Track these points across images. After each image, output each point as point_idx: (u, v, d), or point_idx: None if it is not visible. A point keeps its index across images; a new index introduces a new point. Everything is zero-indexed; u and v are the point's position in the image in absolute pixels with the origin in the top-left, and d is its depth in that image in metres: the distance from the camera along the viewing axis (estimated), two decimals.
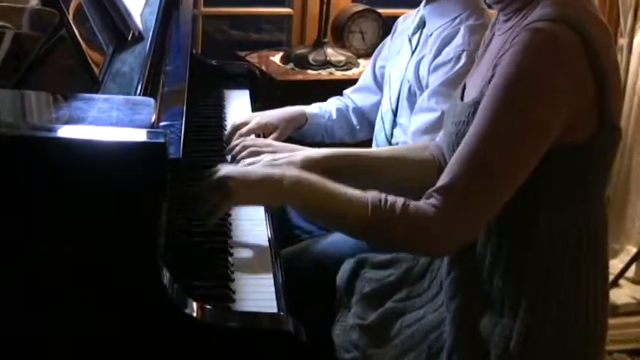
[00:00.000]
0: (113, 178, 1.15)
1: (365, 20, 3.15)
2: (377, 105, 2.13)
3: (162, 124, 1.36)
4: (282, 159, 1.65)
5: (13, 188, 1.14)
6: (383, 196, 1.37)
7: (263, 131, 2.01)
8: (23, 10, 1.45)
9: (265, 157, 1.66)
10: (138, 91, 1.42)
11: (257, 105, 2.25)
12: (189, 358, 1.22)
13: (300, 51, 3.05)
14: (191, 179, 1.68)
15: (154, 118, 1.28)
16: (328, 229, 1.82)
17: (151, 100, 1.34)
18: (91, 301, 1.19)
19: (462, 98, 1.48)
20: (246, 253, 1.49)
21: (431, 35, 1.93)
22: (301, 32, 3.26)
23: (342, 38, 3.14)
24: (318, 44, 3.05)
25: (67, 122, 1.21)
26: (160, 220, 1.21)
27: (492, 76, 1.32)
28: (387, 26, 3.04)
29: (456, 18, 1.89)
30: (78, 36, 1.41)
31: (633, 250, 2.85)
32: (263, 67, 2.98)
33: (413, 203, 1.36)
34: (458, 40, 1.86)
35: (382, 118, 2.05)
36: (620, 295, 2.77)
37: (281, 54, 3.11)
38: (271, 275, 1.42)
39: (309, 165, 1.63)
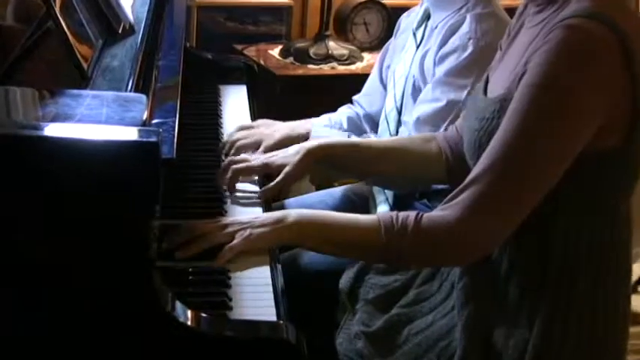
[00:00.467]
0: (102, 179, 1.15)
1: (369, 12, 3.15)
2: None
3: (154, 121, 1.36)
4: (275, 156, 1.67)
5: None
6: (394, 214, 1.38)
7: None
8: (7, 1, 1.45)
9: (255, 161, 1.68)
10: (129, 87, 1.42)
11: (255, 101, 2.25)
12: None
13: (301, 44, 3.06)
14: (185, 180, 1.68)
15: (145, 115, 1.28)
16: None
17: (143, 97, 1.34)
18: (79, 308, 1.19)
19: (485, 92, 1.47)
20: (243, 258, 1.48)
21: (436, 27, 1.93)
22: (302, 24, 3.26)
23: (345, 31, 3.14)
24: (320, 37, 3.05)
25: (53, 120, 1.21)
26: (151, 223, 1.21)
27: (524, 73, 1.32)
28: (392, 18, 3.05)
29: (461, 7, 1.90)
30: (65, 28, 1.41)
31: None
32: (261, 62, 2.98)
33: (426, 215, 1.37)
34: (464, 28, 1.86)
35: (386, 117, 2.05)
36: None
37: (280, 47, 3.11)
38: (270, 281, 1.42)
39: (303, 157, 1.64)
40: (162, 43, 1.86)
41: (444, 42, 1.89)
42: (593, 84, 1.28)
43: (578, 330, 1.37)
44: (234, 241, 1.42)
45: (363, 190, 2.11)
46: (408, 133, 1.96)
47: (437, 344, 1.45)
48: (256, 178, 1.76)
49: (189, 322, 1.22)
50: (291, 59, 3.02)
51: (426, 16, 1.97)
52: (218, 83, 2.32)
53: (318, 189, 2.41)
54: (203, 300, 1.33)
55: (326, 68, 2.99)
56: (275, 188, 1.68)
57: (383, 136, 2.06)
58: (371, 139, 1.99)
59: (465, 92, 1.82)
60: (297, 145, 1.70)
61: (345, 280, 1.66)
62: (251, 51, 3.11)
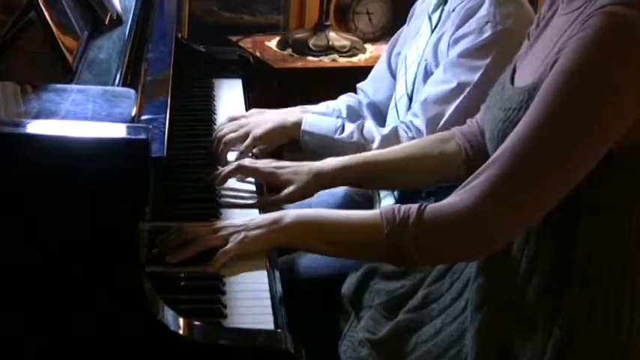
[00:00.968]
0: (89, 179, 1.15)
1: (372, 0, 3.15)
2: (390, 98, 2.13)
3: (144, 117, 1.37)
4: (289, 168, 1.66)
5: None
6: (397, 206, 1.38)
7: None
8: None
9: (264, 166, 1.68)
10: (116, 81, 1.42)
11: (251, 96, 2.25)
12: None
13: (300, 35, 3.06)
14: (176, 180, 1.68)
15: (134, 111, 1.28)
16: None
17: (132, 92, 1.34)
18: (64, 315, 1.19)
19: (511, 82, 1.47)
20: (238, 263, 1.49)
21: (453, 10, 1.94)
22: (300, 14, 3.27)
23: (347, 20, 3.15)
24: (320, 27, 3.05)
25: (36, 116, 1.21)
26: (141, 225, 1.21)
27: (556, 61, 1.32)
28: (397, 7, 3.05)
29: None
30: (49, 19, 1.41)
31: None
32: (257, 54, 2.98)
33: (432, 205, 1.36)
34: (482, 11, 1.87)
35: (396, 105, 2.05)
36: None
37: (278, 39, 3.11)
38: (267, 287, 1.42)
39: (312, 180, 1.64)
40: (152, 35, 1.86)
41: (460, 25, 1.90)
42: (632, 74, 1.28)
43: (602, 333, 1.37)
44: (228, 245, 1.42)
45: (366, 190, 2.11)
46: (414, 114, 1.94)
47: (447, 352, 1.45)
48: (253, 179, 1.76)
49: (181, 331, 1.22)
50: (289, 51, 3.03)
51: (443, 0, 1.98)
52: (212, 77, 2.32)
53: None
54: (196, 307, 1.33)
55: (326, 60, 3.00)
56: (274, 204, 1.68)
57: (391, 124, 2.06)
58: (382, 151, 1.97)
59: (478, 74, 1.83)
60: (309, 164, 1.68)
61: (348, 285, 1.66)
62: (247, 42, 3.11)
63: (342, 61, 3.00)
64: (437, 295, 1.54)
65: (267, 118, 1.94)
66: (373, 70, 2.22)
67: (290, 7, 3.26)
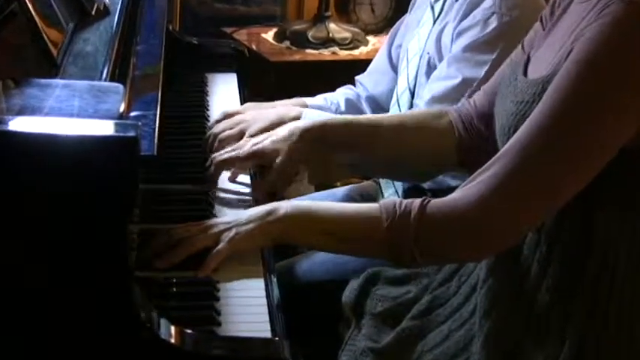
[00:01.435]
0: (74, 178, 1.15)
1: None
2: (391, 92, 2.13)
3: (132, 114, 1.37)
4: (265, 141, 1.65)
5: None
6: (398, 199, 1.38)
7: None
8: None
9: (245, 146, 1.66)
10: (104, 76, 1.42)
11: (246, 91, 2.25)
12: None
13: (298, 27, 3.06)
14: (168, 180, 1.68)
15: (122, 107, 1.28)
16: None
17: (120, 87, 1.34)
18: (48, 320, 1.20)
19: (524, 74, 1.48)
20: (233, 266, 1.49)
21: (457, 0, 1.94)
22: (298, 4, 3.27)
23: (348, 11, 3.15)
24: (319, 18, 3.06)
25: (19, 113, 1.21)
26: (129, 228, 1.21)
27: (571, 51, 1.33)
28: None
29: None
30: (32, 10, 1.41)
31: None
32: (253, 47, 2.99)
33: (434, 201, 1.36)
34: (487, 1, 1.87)
35: (398, 100, 2.05)
36: None
37: (274, 30, 3.12)
38: (264, 293, 1.42)
39: (296, 139, 1.63)
40: (142, 26, 1.86)
41: (464, 16, 1.89)
42: None
43: (615, 344, 1.38)
44: (219, 246, 1.42)
45: (368, 190, 2.12)
46: None
47: None
48: (248, 176, 1.76)
49: (172, 340, 1.22)
50: (287, 43, 3.03)
51: None
52: (205, 71, 2.32)
53: (317, 190, 2.42)
54: (188, 314, 1.33)
55: (326, 53, 3.00)
56: (270, 182, 1.67)
57: None
58: (373, 115, 1.99)
59: (484, 70, 1.83)
60: (288, 125, 1.68)
61: (349, 291, 1.66)
62: (242, 35, 3.11)
63: (343, 54, 3.01)
64: (443, 300, 1.54)
65: (263, 115, 1.94)
66: (372, 63, 2.23)
67: None
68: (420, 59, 1.99)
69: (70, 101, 1.26)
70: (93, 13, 1.66)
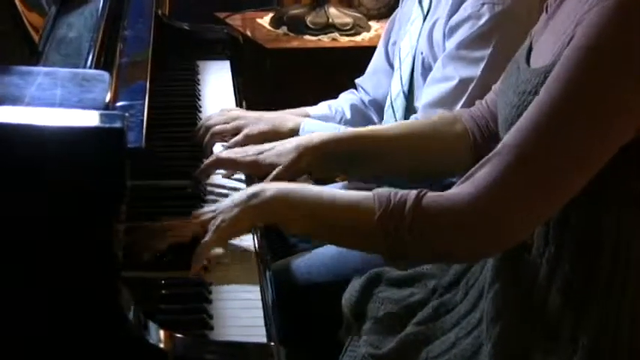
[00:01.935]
0: (57, 173, 1.15)
1: None
2: None
3: (119, 104, 1.37)
4: (271, 150, 1.66)
5: None
6: (394, 190, 1.38)
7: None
8: None
9: (243, 155, 1.68)
10: (88, 63, 1.42)
11: (240, 80, 2.26)
12: None
13: (295, 11, 3.06)
14: (157, 174, 1.68)
15: (108, 96, 1.28)
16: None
17: (105, 75, 1.34)
18: (30, 326, 1.19)
19: (527, 62, 1.48)
20: (226, 267, 1.49)
21: None
22: None
23: None
24: (319, 2, 3.05)
25: None
26: (116, 227, 1.21)
27: (573, 37, 1.33)
28: None
29: None
30: None
31: None
32: (248, 33, 2.99)
33: (430, 193, 1.36)
34: None
35: (392, 103, 2.05)
36: None
37: (270, 15, 3.11)
38: (259, 295, 1.42)
39: (297, 157, 1.64)
40: (129, 11, 1.86)
41: (454, 10, 1.89)
42: None
43: (631, 350, 1.38)
44: (206, 237, 1.42)
45: (368, 185, 2.11)
46: (416, 120, 1.95)
47: None
48: (243, 177, 1.76)
49: (162, 345, 1.22)
50: (283, 29, 3.03)
51: None
52: (196, 59, 2.33)
53: (316, 184, 2.42)
54: (179, 318, 1.34)
55: (326, 40, 3.00)
56: None
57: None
58: (381, 126, 1.99)
59: (481, 67, 1.83)
60: (294, 140, 1.69)
61: (349, 293, 1.66)
62: (235, 20, 3.11)
63: (344, 40, 3.00)
64: (450, 306, 1.54)
65: (265, 118, 1.94)
66: (371, 64, 2.22)
67: None
68: (414, 59, 1.99)
69: (53, 90, 1.26)
70: None
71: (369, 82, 2.20)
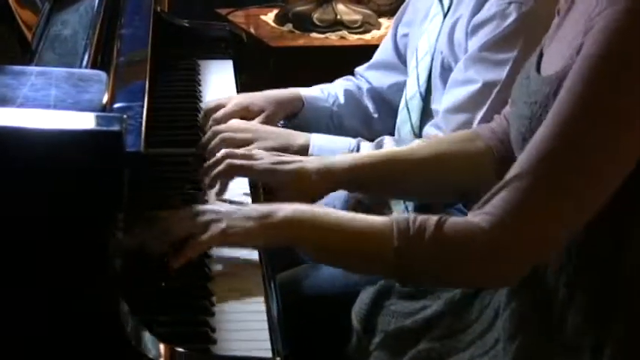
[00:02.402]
0: (52, 178, 1.15)
1: None
2: (399, 86, 2.13)
3: (117, 105, 1.37)
4: (285, 167, 1.66)
5: None
6: (413, 215, 1.38)
7: (245, 115, 2.01)
8: None
9: (258, 162, 1.68)
10: (84, 63, 1.43)
11: (243, 79, 2.26)
12: None
13: (301, 8, 3.07)
14: (156, 179, 1.68)
15: (105, 98, 1.28)
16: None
17: (102, 75, 1.34)
18: (24, 337, 1.20)
19: (537, 70, 1.48)
20: (230, 278, 1.49)
21: None
22: None
23: None
24: None
25: None
26: (113, 234, 1.21)
27: (582, 44, 1.33)
28: None
29: None
30: None
31: None
32: (251, 30, 2.99)
33: (452, 220, 1.36)
34: None
35: (407, 105, 2.05)
36: None
37: (275, 12, 3.12)
38: (264, 307, 1.43)
39: (323, 179, 1.64)
40: (126, 7, 1.87)
41: (477, 8, 1.89)
42: None
43: None
44: (206, 234, 1.42)
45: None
46: (436, 125, 1.95)
47: None
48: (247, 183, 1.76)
49: (161, 359, 1.22)
50: (289, 27, 3.03)
51: None
52: (197, 57, 2.33)
53: None
54: (179, 330, 1.34)
55: (333, 38, 3.00)
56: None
57: (402, 129, 2.06)
58: (403, 149, 1.97)
59: (506, 70, 1.82)
60: (319, 161, 1.69)
61: (359, 306, 1.66)
62: (238, 16, 3.12)
63: (353, 38, 3.01)
64: (464, 325, 1.54)
65: (276, 133, 1.94)
66: (376, 55, 2.23)
67: None
68: (432, 59, 1.98)
69: (47, 91, 1.26)
70: None
71: (374, 73, 2.21)
